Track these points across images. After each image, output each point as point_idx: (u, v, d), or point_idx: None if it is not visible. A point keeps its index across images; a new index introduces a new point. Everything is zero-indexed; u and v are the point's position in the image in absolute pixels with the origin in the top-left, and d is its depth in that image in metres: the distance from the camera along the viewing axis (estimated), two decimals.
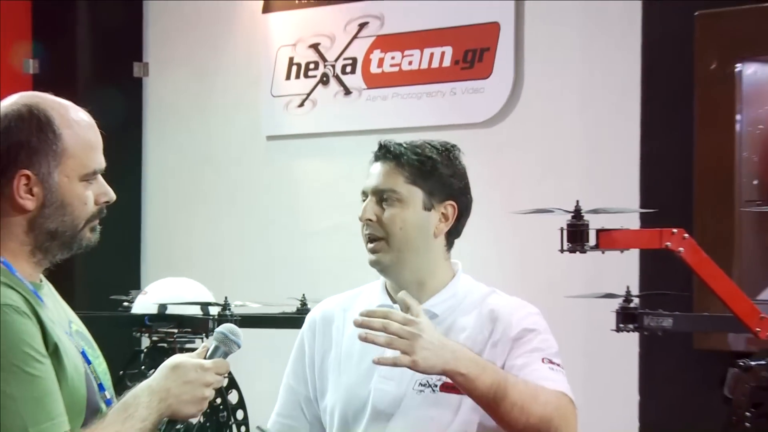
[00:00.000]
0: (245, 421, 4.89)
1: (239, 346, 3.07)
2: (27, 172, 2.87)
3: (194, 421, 3.59)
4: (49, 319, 2.87)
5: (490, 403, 3.38)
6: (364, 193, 3.63)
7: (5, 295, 2.80)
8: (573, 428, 3.50)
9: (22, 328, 2.80)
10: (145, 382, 2.92)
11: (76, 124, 2.94)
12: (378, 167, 3.61)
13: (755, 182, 4.49)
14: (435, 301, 3.64)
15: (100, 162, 2.95)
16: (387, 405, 3.63)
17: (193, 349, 4.80)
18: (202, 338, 4.96)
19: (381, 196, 3.59)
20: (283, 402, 3.75)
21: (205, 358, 3.00)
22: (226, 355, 3.04)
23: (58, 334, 2.87)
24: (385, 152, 3.61)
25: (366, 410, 3.64)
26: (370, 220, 3.59)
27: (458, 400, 3.61)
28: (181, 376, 2.94)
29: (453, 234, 3.66)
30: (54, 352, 2.83)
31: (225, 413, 4.87)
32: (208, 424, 4.72)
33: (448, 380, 3.61)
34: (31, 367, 2.78)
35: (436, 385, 3.61)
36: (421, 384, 3.61)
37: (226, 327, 3.07)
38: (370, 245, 3.62)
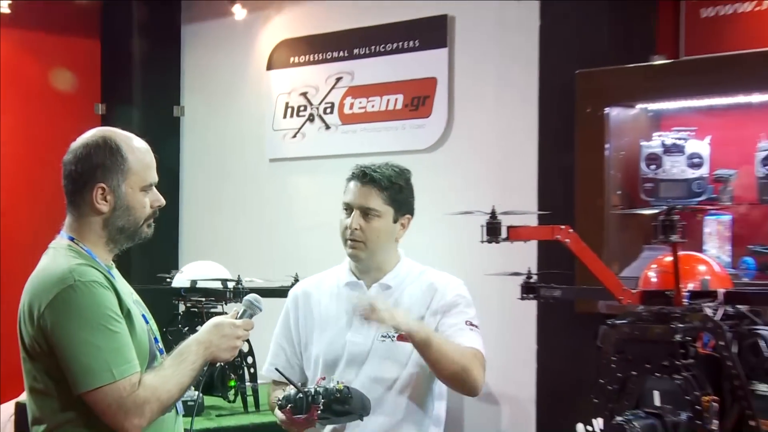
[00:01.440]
0: (254, 364, 4.87)
1: (261, 310, 3.12)
2: (102, 184, 2.93)
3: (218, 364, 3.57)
4: (122, 291, 2.93)
5: (424, 349, 3.48)
6: (349, 206, 3.67)
7: (92, 274, 2.85)
8: (481, 369, 3.61)
9: (105, 298, 2.84)
10: (193, 336, 2.99)
11: (138, 150, 2.99)
12: (361, 187, 3.67)
13: (618, 192, 4.51)
14: (388, 278, 3.72)
15: (154, 177, 3.02)
16: (359, 352, 3.67)
17: (216, 313, 4.83)
18: (222, 304, 4.94)
19: (365, 211, 3.64)
20: (274, 355, 3.82)
21: (236, 318, 3.06)
22: (251, 316, 3.10)
23: (128, 302, 2.93)
24: (369, 178, 3.66)
25: (343, 356, 3.67)
26: (357, 229, 3.63)
27: (410, 348, 3.64)
28: (220, 331, 3.00)
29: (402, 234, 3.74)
30: (127, 315, 2.89)
31: (239, 358, 4.86)
32: (226, 366, 4.70)
33: (402, 333, 3.66)
34: (113, 325, 2.82)
35: (393, 337, 3.67)
36: (382, 336, 3.68)
37: (251, 296, 3.14)
38: (351, 243, 3.67)
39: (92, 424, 2.84)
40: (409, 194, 3.72)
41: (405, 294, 3.72)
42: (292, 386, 3.38)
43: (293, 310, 3.81)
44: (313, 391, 3.30)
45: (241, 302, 4.89)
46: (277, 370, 3.59)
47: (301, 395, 3.30)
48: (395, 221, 3.67)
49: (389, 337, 3.68)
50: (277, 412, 3.43)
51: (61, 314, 2.79)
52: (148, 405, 2.82)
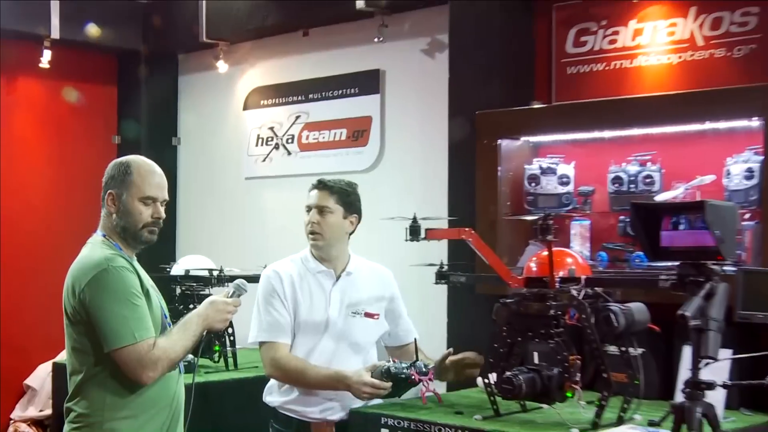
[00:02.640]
0: (233, 334, 4.85)
1: (246, 291, 3.11)
2: (112, 192, 2.98)
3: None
4: (142, 276, 2.96)
5: None
6: (309, 207, 3.65)
7: (121, 261, 2.91)
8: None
9: (131, 279, 2.88)
10: (194, 311, 3.02)
11: (145, 171, 3.02)
12: (318, 192, 3.66)
13: (508, 203, 4.52)
14: (349, 267, 3.70)
15: (156, 194, 3.02)
16: (338, 323, 3.63)
17: (204, 295, 4.78)
18: (209, 288, 4.91)
19: (320, 209, 3.62)
20: (269, 324, 3.63)
21: (227, 297, 3.07)
22: (239, 296, 3.09)
23: (147, 285, 2.96)
24: (323, 185, 3.65)
25: (328, 327, 3.62)
26: (315, 223, 3.62)
27: (374, 322, 3.71)
28: (215, 307, 3.02)
29: (352, 232, 3.71)
30: (146, 294, 2.92)
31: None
32: (212, 334, 4.67)
33: (368, 311, 3.66)
34: (135, 300, 2.85)
35: (361, 313, 3.66)
36: (353, 312, 3.66)
37: (240, 281, 3.12)
38: (312, 236, 3.65)
39: (116, 375, 2.87)
40: (356, 199, 3.69)
41: (361, 278, 3.73)
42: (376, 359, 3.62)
43: (279, 285, 3.65)
44: (421, 363, 3.44)
45: (224, 286, 4.91)
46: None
47: (418, 364, 3.44)
48: (345, 218, 3.65)
49: (359, 313, 3.65)
50: (370, 379, 3.45)
51: (97, 290, 2.83)
52: (161, 362, 2.85)
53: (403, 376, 3.39)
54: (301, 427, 3.62)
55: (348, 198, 3.65)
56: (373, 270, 3.79)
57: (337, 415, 3.60)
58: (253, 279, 4.79)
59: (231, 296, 3.08)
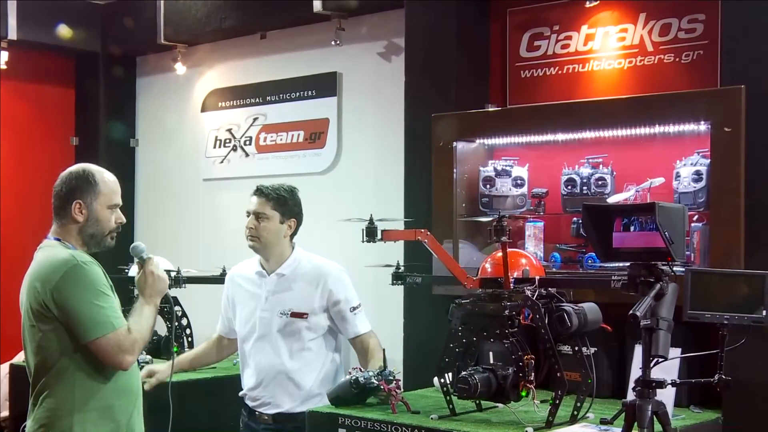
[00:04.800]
0: (191, 335, 4.81)
1: (143, 246, 3.19)
2: (79, 201, 3.05)
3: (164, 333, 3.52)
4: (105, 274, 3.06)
5: None
6: (248, 213, 3.75)
7: (88, 257, 3.02)
8: (378, 341, 3.72)
9: (100, 273, 3.00)
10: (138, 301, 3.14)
11: (107, 179, 3.12)
12: (255, 198, 3.75)
13: (463, 205, 4.52)
14: (283, 268, 3.83)
15: (119, 200, 3.14)
16: (266, 324, 3.70)
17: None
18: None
19: (257, 215, 3.71)
20: (221, 321, 4.05)
21: (140, 270, 3.16)
22: (142, 258, 3.16)
23: (109, 281, 3.07)
24: (260, 192, 3.76)
25: (255, 330, 3.70)
26: (251, 228, 3.72)
27: (304, 321, 3.79)
28: (141, 284, 3.15)
29: (294, 234, 3.79)
30: (111, 288, 3.04)
31: (180, 330, 4.79)
32: (171, 337, 4.63)
33: (295, 310, 3.72)
34: (107, 292, 2.98)
35: (288, 313, 3.71)
36: (281, 313, 3.76)
37: (132, 245, 3.20)
38: (249, 239, 3.77)
39: (85, 367, 2.97)
40: (294, 204, 3.84)
41: (295, 278, 3.84)
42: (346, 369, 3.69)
43: (226, 289, 3.97)
44: (388, 372, 3.44)
45: (182, 287, 4.85)
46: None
47: (385, 373, 3.43)
48: (282, 222, 3.77)
49: (285, 314, 3.74)
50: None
51: (70, 285, 2.91)
52: (137, 344, 2.99)
53: (371, 386, 3.40)
54: (251, 414, 3.90)
55: (285, 204, 3.80)
56: (315, 268, 3.86)
57: (274, 409, 3.80)
58: (210, 280, 4.78)
59: (140, 264, 3.16)
